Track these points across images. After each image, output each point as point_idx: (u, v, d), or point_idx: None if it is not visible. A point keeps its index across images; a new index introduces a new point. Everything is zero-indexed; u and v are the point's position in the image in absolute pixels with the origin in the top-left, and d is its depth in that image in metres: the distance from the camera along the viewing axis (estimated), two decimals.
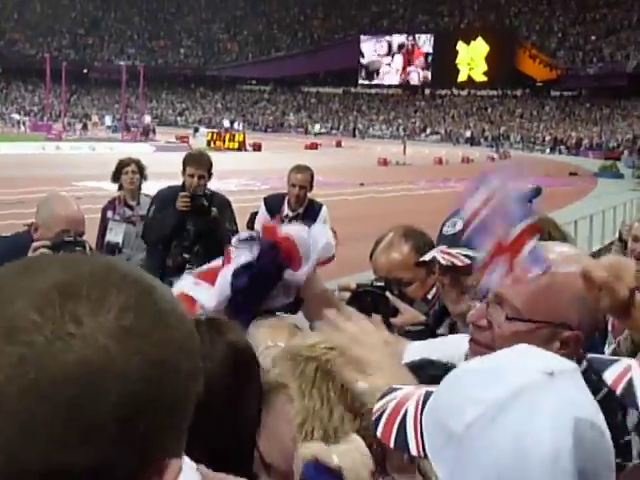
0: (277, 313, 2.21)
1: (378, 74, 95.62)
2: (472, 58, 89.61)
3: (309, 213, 6.56)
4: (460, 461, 0.97)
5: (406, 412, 1.06)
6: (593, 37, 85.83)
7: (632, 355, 2.11)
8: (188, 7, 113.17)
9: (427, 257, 2.47)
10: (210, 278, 2.16)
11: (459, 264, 2.38)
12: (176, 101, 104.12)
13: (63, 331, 0.75)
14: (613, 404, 2.25)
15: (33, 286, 0.77)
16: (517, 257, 1.68)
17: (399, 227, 3.00)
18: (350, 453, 1.37)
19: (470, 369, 1.04)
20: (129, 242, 6.73)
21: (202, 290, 2.13)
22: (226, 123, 78.09)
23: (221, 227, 5.84)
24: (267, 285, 2.14)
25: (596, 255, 12.86)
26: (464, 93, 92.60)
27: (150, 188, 6.89)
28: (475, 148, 69.24)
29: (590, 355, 0.77)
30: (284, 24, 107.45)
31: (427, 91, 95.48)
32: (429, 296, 2.90)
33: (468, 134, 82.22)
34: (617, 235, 6.61)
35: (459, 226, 2.44)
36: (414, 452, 1.02)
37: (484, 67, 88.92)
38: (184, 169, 5.92)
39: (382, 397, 1.13)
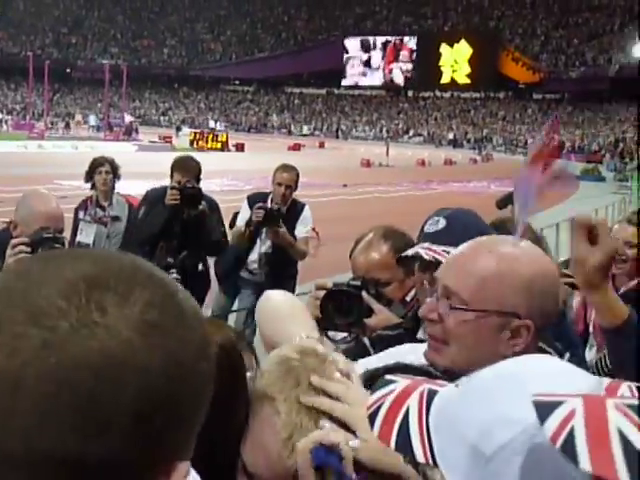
0: None
1: (364, 71, 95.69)
2: (455, 60, 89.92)
3: (292, 212, 6.57)
4: None
5: (407, 411, 1.01)
6: (576, 41, 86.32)
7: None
8: (172, 7, 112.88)
9: (410, 252, 2.45)
10: None
11: (443, 260, 2.37)
12: (159, 101, 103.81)
13: (88, 319, 0.75)
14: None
15: (61, 274, 0.78)
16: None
17: (379, 227, 3.00)
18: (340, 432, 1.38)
19: (504, 382, 0.98)
20: (100, 243, 6.65)
21: None
22: (212, 123, 77.83)
23: (208, 223, 5.84)
24: None
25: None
26: (447, 95, 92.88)
27: (131, 187, 6.86)
28: (458, 150, 69.50)
29: (535, 398, 0.81)
30: (268, 24, 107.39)
31: (410, 93, 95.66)
32: (407, 298, 2.87)
33: (451, 136, 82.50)
34: None
35: (442, 224, 2.45)
36: (421, 459, 0.97)
37: (467, 69, 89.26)
38: (172, 175, 5.90)
39: (377, 389, 1.08)
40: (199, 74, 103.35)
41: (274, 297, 2.06)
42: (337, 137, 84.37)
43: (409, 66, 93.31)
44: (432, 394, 1.02)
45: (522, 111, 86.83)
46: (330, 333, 2.61)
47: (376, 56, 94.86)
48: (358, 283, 2.62)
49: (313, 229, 6.68)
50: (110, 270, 0.80)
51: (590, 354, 3.80)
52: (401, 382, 1.09)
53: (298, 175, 6.67)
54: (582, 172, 45.26)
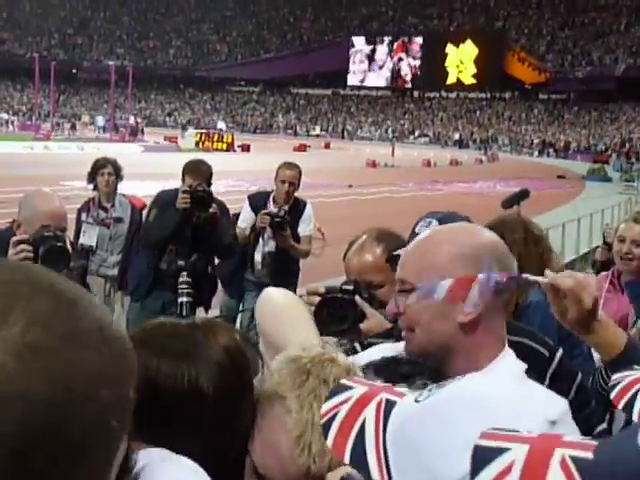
0: None
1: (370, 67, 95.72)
2: (461, 61, 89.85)
3: (295, 211, 6.58)
4: None
5: (364, 424, 0.97)
6: (582, 41, 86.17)
7: None
8: (177, 7, 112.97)
9: (401, 252, 2.45)
10: None
11: None
12: (165, 102, 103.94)
13: None
14: (584, 396, 2.31)
15: None
16: None
17: (373, 229, 2.97)
18: None
19: (466, 410, 0.94)
20: (102, 245, 6.65)
21: None
22: (220, 124, 77.54)
23: (219, 226, 5.83)
24: None
25: (584, 258, 12.90)
26: (453, 96, 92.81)
27: (138, 188, 6.86)
28: (464, 151, 69.43)
29: (478, 441, 0.71)
30: (274, 25, 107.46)
31: (416, 93, 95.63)
32: None
33: (457, 137, 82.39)
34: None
35: (434, 225, 2.45)
36: (376, 477, 0.93)
37: (473, 70, 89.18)
38: (183, 178, 5.90)
39: (332, 395, 1.03)
40: (205, 75, 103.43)
41: (274, 295, 2.07)
42: (343, 137, 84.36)
43: (417, 62, 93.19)
44: (390, 406, 0.97)
45: (528, 111, 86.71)
46: (324, 338, 2.61)
47: (382, 51, 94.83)
48: (351, 287, 2.60)
49: (319, 229, 6.69)
50: None
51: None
52: (358, 389, 1.04)
53: (301, 172, 6.69)
54: (588, 172, 45.22)
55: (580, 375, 2.31)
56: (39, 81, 69.31)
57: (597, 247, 7.10)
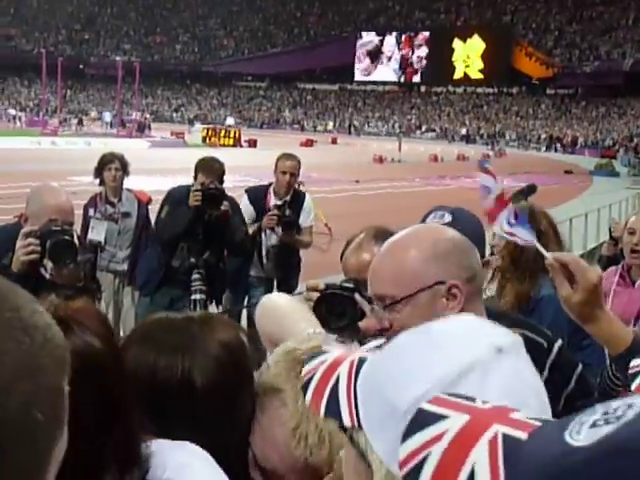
0: None
1: (377, 60, 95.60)
2: (468, 55, 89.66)
3: (295, 202, 6.62)
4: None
5: (338, 378, 0.99)
6: (589, 35, 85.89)
7: None
8: (184, 3, 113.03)
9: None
10: None
11: None
12: (172, 97, 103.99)
13: None
14: (585, 386, 2.32)
15: None
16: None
17: (371, 228, 2.95)
18: None
19: (417, 339, 0.96)
20: (112, 240, 6.67)
21: None
22: (230, 120, 77.32)
23: (231, 224, 5.85)
24: None
25: (591, 253, 12.86)
26: (460, 90, 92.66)
27: (143, 183, 6.86)
28: (471, 146, 69.29)
29: (423, 405, 0.79)
30: (280, 20, 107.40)
31: (423, 88, 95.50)
32: None
33: (464, 132, 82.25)
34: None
35: (448, 218, 2.46)
36: (347, 422, 0.95)
37: (480, 64, 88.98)
38: (195, 176, 5.91)
39: (311, 359, 1.06)
40: (212, 70, 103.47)
41: (275, 297, 2.12)
42: (350, 133, 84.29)
43: (424, 57, 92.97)
44: (362, 361, 1.00)
45: (535, 106, 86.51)
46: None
47: (389, 46, 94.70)
48: (351, 285, 2.59)
49: (325, 224, 6.70)
50: None
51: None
52: (334, 352, 1.07)
53: (300, 163, 6.73)
54: (596, 167, 45.13)
55: (581, 366, 2.33)
56: (46, 77, 69.37)
57: (604, 242, 7.09)
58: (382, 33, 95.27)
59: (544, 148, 71.28)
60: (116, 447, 1.31)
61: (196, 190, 5.68)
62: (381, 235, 2.89)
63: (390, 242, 1.84)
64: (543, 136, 76.59)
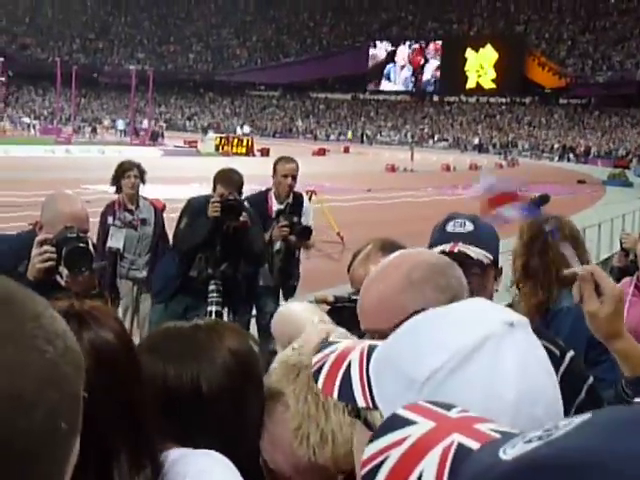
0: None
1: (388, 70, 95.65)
2: (481, 65, 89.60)
3: (296, 204, 6.67)
4: None
5: (350, 363, 1.01)
6: (602, 45, 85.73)
7: None
8: (198, 12, 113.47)
9: (446, 248, 2.39)
10: None
11: (486, 262, 2.39)
12: (185, 106, 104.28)
13: None
14: (595, 399, 2.32)
15: None
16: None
17: (377, 240, 2.97)
18: None
19: (430, 318, 1.01)
20: (131, 247, 6.72)
21: None
22: (245, 129, 77.29)
23: (250, 235, 5.85)
24: None
25: (605, 263, 12.81)
26: (472, 100, 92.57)
27: (157, 192, 6.89)
28: (483, 155, 69.15)
29: (400, 410, 0.80)
30: (293, 30, 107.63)
31: (436, 98, 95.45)
32: None
33: (476, 141, 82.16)
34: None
35: (470, 227, 2.45)
36: (361, 403, 0.97)
37: (493, 74, 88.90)
38: (214, 187, 5.93)
39: (319, 350, 1.08)
40: (225, 79, 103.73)
41: (293, 305, 2.13)
42: (362, 142, 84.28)
43: (437, 67, 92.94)
44: (372, 348, 1.03)
45: (548, 116, 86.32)
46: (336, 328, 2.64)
47: (402, 56, 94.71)
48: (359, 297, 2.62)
49: (338, 233, 6.71)
50: None
51: None
52: (343, 342, 1.10)
53: (298, 166, 6.78)
54: (609, 177, 44.91)
55: (592, 379, 2.33)
56: (60, 85, 69.79)
57: (616, 253, 7.05)
58: (395, 43, 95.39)
59: (557, 158, 71.11)
60: (129, 444, 1.31)
61: (215, 201, 5.70)
62: (388, 247, 2.90)
63: (369, 278, 1.85)
64: (556, 146, 76.40)
